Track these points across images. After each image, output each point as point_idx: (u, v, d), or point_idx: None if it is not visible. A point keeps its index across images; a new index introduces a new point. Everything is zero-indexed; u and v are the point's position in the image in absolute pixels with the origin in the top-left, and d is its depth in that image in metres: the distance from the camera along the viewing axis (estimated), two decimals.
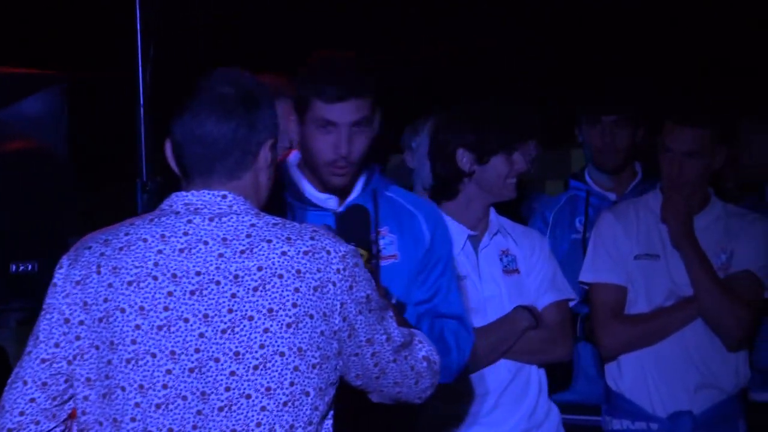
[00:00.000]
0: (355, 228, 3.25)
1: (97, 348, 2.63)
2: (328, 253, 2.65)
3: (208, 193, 2.67)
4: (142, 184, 3.98)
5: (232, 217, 2.65)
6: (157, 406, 2.58)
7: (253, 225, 2.64)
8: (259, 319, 2.58)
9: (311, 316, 2.60)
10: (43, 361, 2.68)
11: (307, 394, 2.61)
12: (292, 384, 2.59)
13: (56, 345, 2.68)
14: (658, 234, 4.44)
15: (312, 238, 2.65)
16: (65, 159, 3.94)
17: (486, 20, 6.98)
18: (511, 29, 7.02)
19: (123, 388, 2.60)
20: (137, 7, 3.99)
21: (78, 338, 2.66)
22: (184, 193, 2.70)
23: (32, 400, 2.67)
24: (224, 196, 2.67)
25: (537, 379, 4.28)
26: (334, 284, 2.64)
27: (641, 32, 7.01)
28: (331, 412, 2.70)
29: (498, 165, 4.15)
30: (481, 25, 6.89)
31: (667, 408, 4.36)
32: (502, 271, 4.26)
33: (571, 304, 4.37)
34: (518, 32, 7.03)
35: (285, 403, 2.59)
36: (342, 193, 3.51)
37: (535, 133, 4.51)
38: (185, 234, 2.63)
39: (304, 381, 2.60)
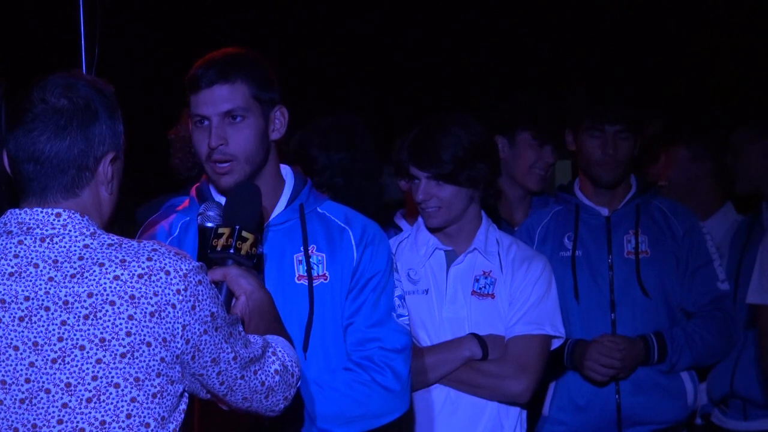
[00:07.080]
0: (241, 208, 2.98)
1: None
2: (167, 273, 2.51)
3: (42, 212, 2.57)
4: None
5: (64, 238, 2.54)
6: None
7: (86, 246, 2.53)
8: (91, 349, 2.48)
9: (149, 344, 2.49)
10: None
11: (147, 425, 2.51)
12: (128, 416, 2.49)
13: None
14: None
15: (149, 259, 2.52)
16: (1, 167, 3.72)
17: (478, 23, 6.81)
18: (504, 34, 6.83)
19: None
20: (81, 6, 3.86)
21: None
22: (18, 211, 2.60)
23: None
24: (58, 215, 2.56)
25: (495, 419, 3.92)
26: (173, 306, 2.51)
27: (641, 38, 6.79)
28: None
29: None
30: (472, 30, 6.73)
31: None
32: (472, 293, 3.97)
33: (556, 343, 4.00)
34: (512, 37, 6.83)
35: None
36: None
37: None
38: (15, 256, 2.54)
39: (143, 412, 2.50)
